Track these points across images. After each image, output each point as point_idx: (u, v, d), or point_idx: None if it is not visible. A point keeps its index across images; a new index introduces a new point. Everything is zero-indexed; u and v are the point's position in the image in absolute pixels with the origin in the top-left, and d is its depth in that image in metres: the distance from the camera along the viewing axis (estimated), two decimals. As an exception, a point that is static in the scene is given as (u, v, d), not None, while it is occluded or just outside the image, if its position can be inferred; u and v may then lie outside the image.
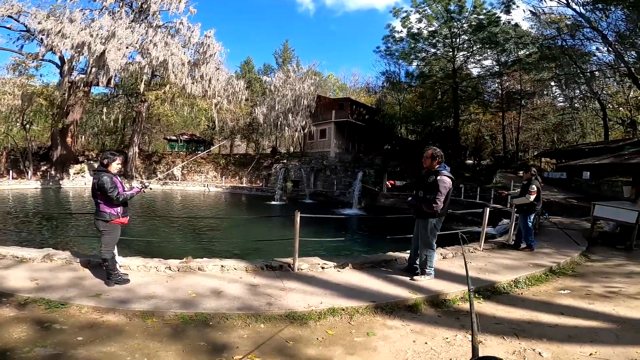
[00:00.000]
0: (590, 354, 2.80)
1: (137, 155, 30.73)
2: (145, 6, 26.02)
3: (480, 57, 29.15)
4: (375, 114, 32.81)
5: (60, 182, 25.61)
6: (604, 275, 5.17)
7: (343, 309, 3.55)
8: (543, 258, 5.74)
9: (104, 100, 31.85)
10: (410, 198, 4.60)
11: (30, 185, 23.85)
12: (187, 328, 3.10)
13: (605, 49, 18.05)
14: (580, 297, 4.21)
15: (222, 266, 4.61)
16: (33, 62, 26.15)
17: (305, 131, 31.78)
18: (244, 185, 31.03)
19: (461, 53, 28.53)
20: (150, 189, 4.42)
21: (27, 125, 28.01)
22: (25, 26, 25.01)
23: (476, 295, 4.12)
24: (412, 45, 29.04)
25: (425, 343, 3.00)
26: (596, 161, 8.67)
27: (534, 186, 6.27)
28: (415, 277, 4.44)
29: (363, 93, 47.99)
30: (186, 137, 40.41)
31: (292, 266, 4.75)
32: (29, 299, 3.43)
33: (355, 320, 3.42)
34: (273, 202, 23.23)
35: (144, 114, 29.63)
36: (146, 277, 4.23)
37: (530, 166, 6.99)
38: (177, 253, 6.52)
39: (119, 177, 4.08)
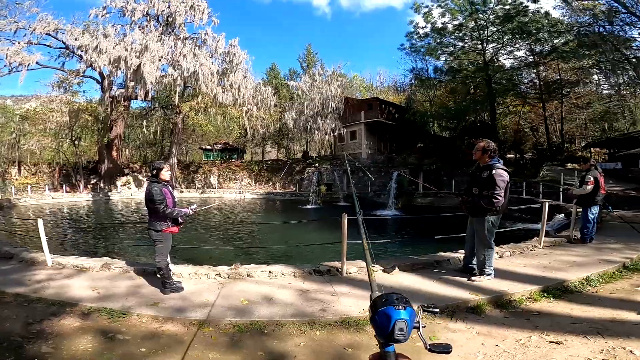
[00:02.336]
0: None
1: (176, 165, 31.96)
2: (171, 19, 26.85)
3: (512, 48, 27.91)
4: (406, 113, 32.13)
5: (109, 194, 27.21)
6: (686, 272, 4.64)
7: (400, 314, 3.38)
8: (612, 254, 5.32)
9: (143, 113, 33.30)
10: (462, 196, 4.36)
11: (83, 197, 25.54)
12: (243, 337, 3.05)
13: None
14: (664, 295, 3.78)
15: (270, 272, 4.57)
16: (75, 78, 27.52)
17: (336, 133, 31.70)
18: (278, 190, 31.36)
19: (491, 45, 27.49)
20: (196, 210, 4.37)
21: (76, 141, 30.00)
22: (64, 43, 26.30)
23: (545, 295, 3.85)
24: (438, 40, 28.30)
25: (497, 345, 2.80)
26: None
27: (590, 176, 6.01)
28: (473, 278, 4.20)
29: (391, 92, 47.27)
30: (220, 145, 41.55)
31: (340, 270, 4.63)
32: (91, 308, 3.53)
33: (414, 324, 3.23)
34: (308, 206, 23.20)
35: (180, 125, 30.55)
36: (198, 284, 4.28)
37: (589, 157, 6.62)
38: (223, 259, 6.62)
39: (170, 188, 4.08)
